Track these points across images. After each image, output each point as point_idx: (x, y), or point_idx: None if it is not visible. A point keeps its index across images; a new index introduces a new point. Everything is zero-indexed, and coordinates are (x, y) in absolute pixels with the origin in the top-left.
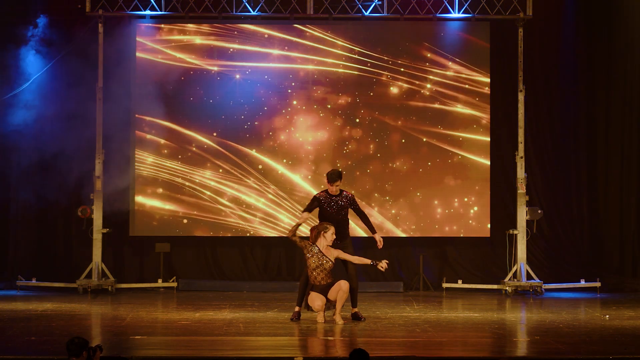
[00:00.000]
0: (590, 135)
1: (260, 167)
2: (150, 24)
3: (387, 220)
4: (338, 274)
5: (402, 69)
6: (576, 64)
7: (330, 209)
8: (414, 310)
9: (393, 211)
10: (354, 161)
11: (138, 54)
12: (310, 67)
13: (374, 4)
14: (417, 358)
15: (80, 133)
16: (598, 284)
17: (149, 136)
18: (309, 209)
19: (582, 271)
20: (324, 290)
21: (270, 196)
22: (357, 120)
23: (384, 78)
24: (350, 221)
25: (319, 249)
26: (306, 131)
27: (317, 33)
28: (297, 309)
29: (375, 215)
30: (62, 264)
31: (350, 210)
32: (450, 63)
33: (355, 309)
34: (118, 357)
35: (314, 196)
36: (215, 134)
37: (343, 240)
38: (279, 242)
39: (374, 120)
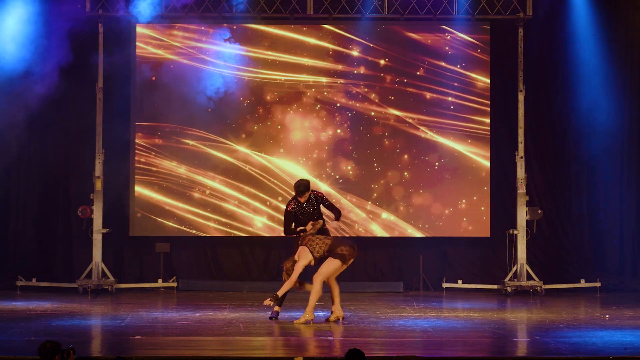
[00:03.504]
0: (590, 135)
1: (262, 167)
2: (150, 24)
3: (386, 220)
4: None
5: (402, 69)
6: (576, 64)
7: (303, 217)
8: (414, 310)
9: (393, 211)
10: (356, 161)
11: (138, 54)
12: (318, 66)
13: (374, 4)
14: (417, 358)
15: (80, 133)
16: (598, 284)
17: (149, 136)
18: (289, 225)
19: (582, 271)
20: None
21: (272, 196)
22: (359, 120)
23: (383, 79)
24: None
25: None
26: (308, 131)
27: (319, 32)
28: (276, 308)
29: (373, 214)
30: (62, 264)
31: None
32: (450, 63)
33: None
34: (118, 357)
35: (286, 212)
36: (217, 135)
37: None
38: (279, 242)
39: (373, 120)
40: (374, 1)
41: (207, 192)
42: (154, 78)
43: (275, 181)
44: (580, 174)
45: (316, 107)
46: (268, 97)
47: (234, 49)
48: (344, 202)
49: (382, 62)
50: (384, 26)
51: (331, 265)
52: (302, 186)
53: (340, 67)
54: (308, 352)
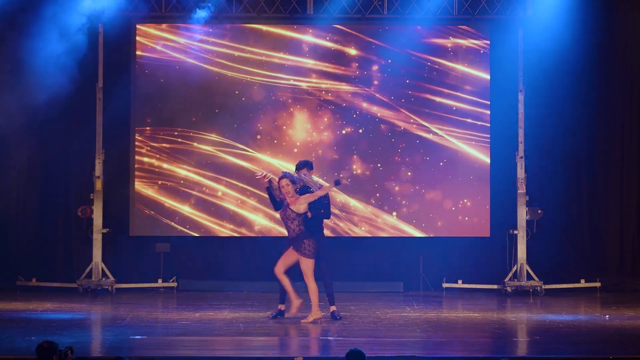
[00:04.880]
0: (590, 135)
1: (265, 167)
2: (150, 24)
3: (386, 220)
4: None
5: (402, 69)
6: (576, 64)
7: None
8: (414, 310)
9: (392, 211)
10: (358, 161)
11: (138, 54)
12: (315, 67)
13: (374, 4)
14: (417, 358)
15: (81, 133)
16: (598, 284)
17: (149, 135)
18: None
19: (582, 271)
20: (292, 241)
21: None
22: (361, 121)
23: (384, 80)
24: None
25: (287, 204)
26: (312, 132)
27: (320, 32)
28: (280, 307)
29: (373, 214)
30: (62, 264)
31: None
32: (450, 63)
33: (333, 307)
34: (118, 357)
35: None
36: (217, 135)
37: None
38: (279, 242)
39: (375, 121)
40: (374, 1)
41: (208, 192)
42: (154, 78)
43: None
44: (580, 173)
45: (319, 108)
46: (270, 98)
47: (233, 50)
48: (346, 201)
49: (383, 62)
50: (385, 26)
51: (307, 263)
52: (300, 162)
53: (342, 67)
54: (308, 352)
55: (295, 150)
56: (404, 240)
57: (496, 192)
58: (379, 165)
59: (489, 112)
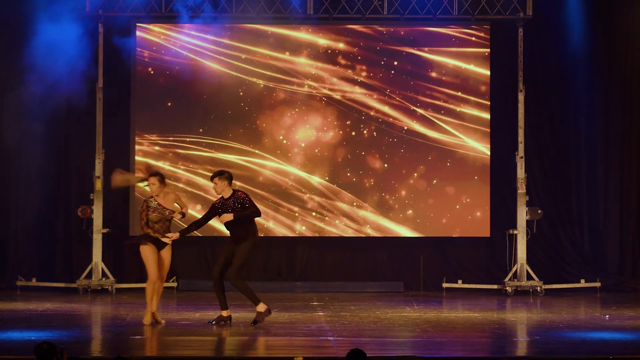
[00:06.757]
0: (590, 135)
1: (265, 167)
2: (150, 24)
3: (387, 220)
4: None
5: (403, 69)
6: (576, 64)
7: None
8: (414, 310)
9: (393, 211)
10: (353, 160)
11: (138, 54)
12: (313, 68)
13: (374, 4)
14: (417, 358)
15: (81, 133)
16: (598, 284)
17: (148, 135)
18: (204, 218)
19: (582, 271)
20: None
21: (272, 196)
22: (362, 121)
23: (385, 80)
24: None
25: (157, 202)
26: (313, 132)
27: (321, 32)
28: (225, 313)
29: (374, 214)
30: (62, 264)
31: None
32: (450, 64)
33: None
34: (118, 357)
35: (212, 204)
36: (219, 136)
37: (239, 243)
38: (279, 242)
39: (377, 121)
40: (374, 1)
41: (208, 191)
42: (154, 78)
43: (283, 180)
44: (580, 174)
45: (321, 109)
46: (271, 98)
47: (233, 49)
48: (348, 202)
49: (383, 62)
50: (388, 27)
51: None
52: (213, 173)
53: (343, 68)
54: (308, 352)
55: (288, 151)
56: (404, 240)
57: (496, 192)
58: (385, 165)
59: (489, 112)
